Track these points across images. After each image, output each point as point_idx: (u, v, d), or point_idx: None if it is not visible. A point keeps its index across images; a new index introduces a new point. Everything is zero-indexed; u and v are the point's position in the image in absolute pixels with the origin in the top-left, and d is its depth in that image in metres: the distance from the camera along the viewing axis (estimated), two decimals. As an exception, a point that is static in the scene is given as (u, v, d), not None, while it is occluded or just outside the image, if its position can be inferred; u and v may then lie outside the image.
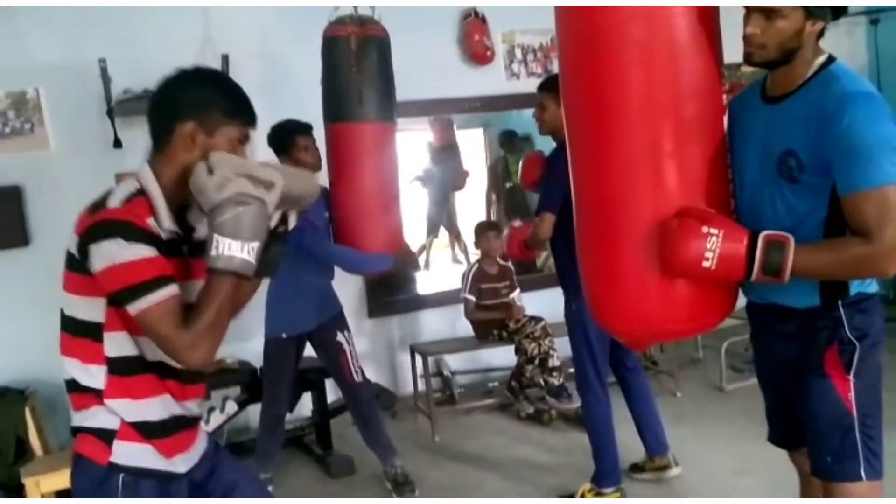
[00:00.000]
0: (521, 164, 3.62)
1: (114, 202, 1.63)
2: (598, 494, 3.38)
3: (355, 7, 3.40)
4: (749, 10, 1.87)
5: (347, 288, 4.72)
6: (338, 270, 3.69)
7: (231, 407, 3.99)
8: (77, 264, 1.64)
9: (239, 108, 1.73)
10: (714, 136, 1.98)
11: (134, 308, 1.55)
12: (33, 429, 3.93)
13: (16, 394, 3.98)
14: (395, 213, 3.56)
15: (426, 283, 5.90)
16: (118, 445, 1.68)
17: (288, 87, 3.90)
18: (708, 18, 1.95)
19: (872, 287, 1.96)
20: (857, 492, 1.93)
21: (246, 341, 3.95)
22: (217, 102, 1.71)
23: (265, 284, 3.30)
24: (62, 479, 3.55)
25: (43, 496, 3.51)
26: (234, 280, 1.58)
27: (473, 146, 6.83)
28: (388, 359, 5.11)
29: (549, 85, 3.17)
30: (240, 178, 1.58)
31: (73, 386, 1.74)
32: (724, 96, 2.03)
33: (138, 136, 4.49)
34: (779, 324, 2.05)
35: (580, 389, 3.51)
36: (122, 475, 1.67)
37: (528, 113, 5.56)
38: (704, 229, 1.80)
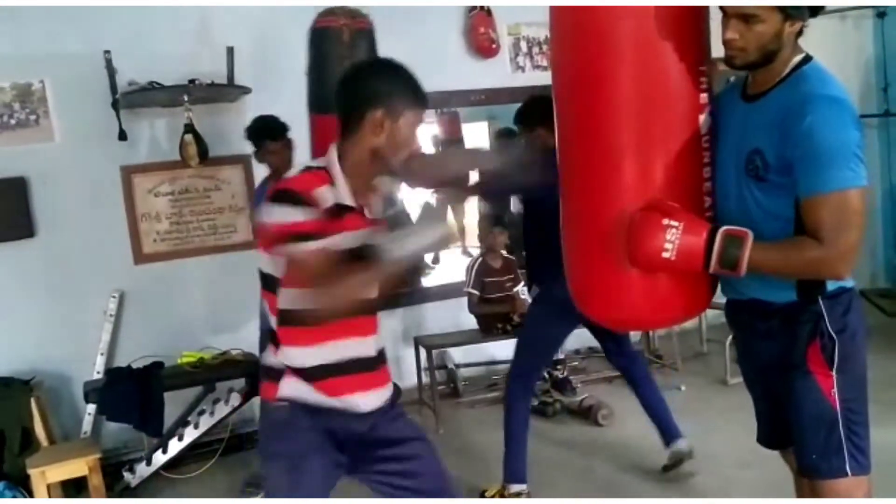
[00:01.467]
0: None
1: (293, 174, 1.92)
2: (504, 494, 3.41)
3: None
4: (727, 15, 1.87)
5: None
6: None
7: (235, 399, 4.00)
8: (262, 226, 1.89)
9: (420, 96, 1.95)
10: (690, 133, 2.00)
11: (292, 249, 1.79)
12: (38, 419, 3.95)
13: (21, 384, 4.00)
14: None
15: (431, 275, 5.89)
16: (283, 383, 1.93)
17: (291, 79, 3.88)
18: (689, 17, 1.97)
19: (850, 281, 1.97)
20: (843, 488, 1.94)
21: (252, 333, 3.95)
22: (402, 92, 1.92)
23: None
24: (67, 469, 3.58)
25: (48, 487, 3.53)
26: (383, 268, 1.82)
27: (478, 139, 6.81)
28: (392, 352, 5.07)
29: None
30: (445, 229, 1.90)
31: (270, 336, 1.98)
32: (708, 94, 2.03)
33: (143, 128, 4.58)
34: (759, 321, 2.05)
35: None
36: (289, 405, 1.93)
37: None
38: (665, 221, 1.86)
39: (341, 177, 1.89)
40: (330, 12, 3.31)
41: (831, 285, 1.93)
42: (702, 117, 2.01)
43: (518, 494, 3.39)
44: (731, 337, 4.67)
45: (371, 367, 2.03)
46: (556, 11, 2.15)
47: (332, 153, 1.93)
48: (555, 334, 3.46)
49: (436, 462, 2.16)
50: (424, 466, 2.11)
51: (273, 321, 1.95)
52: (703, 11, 2.00)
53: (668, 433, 3.56)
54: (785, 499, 2.94)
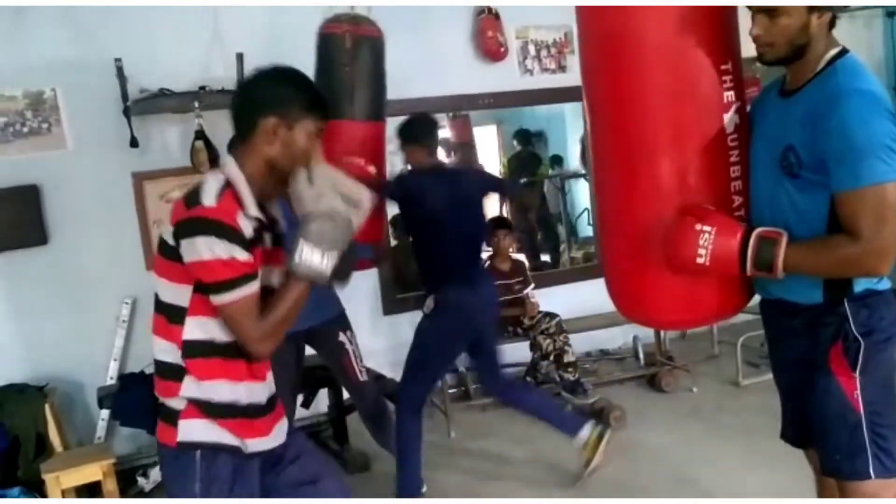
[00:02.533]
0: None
1: (208, 199, 1.72)
2: None
3: (353, 7, 3.39)
4: (753, 12, 1.87)
5: (362, 287, 4.74)
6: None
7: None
8: (169, 251, 1.75)
9: (316, 103, 1.87)
10: (714, 132, 2.00)
11: (219, 300, 1.70)
12: (53, 425, 3.97)
13: (35, 391, 4.03)
14: (379, 209, 3.52)
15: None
16: (184, 424, 1.80)
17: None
18: (712, 16, 1.98)
19: (883, 283, 1.94)
20: (868, 490, 1.92)
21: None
22: (296, 98, 1.84)
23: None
24: (82, 474, 3.60)
25: (63, 492, 3.55)
26: (308, 285, 1.76)
27: (487, 143, 6.83)
28: (402, 356, 5.10)
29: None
30: (334, 195, 1.75)
31: (160, 367, 1.85)
32: (735, 92, 2.02)
33: (154, 135, 4.60)
34: (786, 320, 2.05)
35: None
36: (198, 451, 1.79)
37: (542, 109, 5.58)
38: (698, 227, 1.86)
39: (249, 195, 1.78)
40: (335, 19, 3.33)
41: (858, 287, 1.90)
42: (727, 116, 2.00)
43: None
44: (742, 339, 4.71)
45: (267, 412, 1.94)
46: (581, 13, 2.18)
47: (233, 166, 1.81)
48: (449, 345, 3.55)
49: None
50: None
51: (172, 355, 1.80)
52: (725, 11, 2.00)
53: (571, 427, 3.58)
54: (785, 499, 2.94)
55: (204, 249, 1.67)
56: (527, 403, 3.69)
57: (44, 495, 3.61)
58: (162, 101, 4.26)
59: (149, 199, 4.50)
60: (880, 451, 1.91)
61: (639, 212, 2.05)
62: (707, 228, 1.85)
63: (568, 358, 4.57)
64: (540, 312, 4.63)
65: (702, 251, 1.85)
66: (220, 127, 4.44)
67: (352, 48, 3.27)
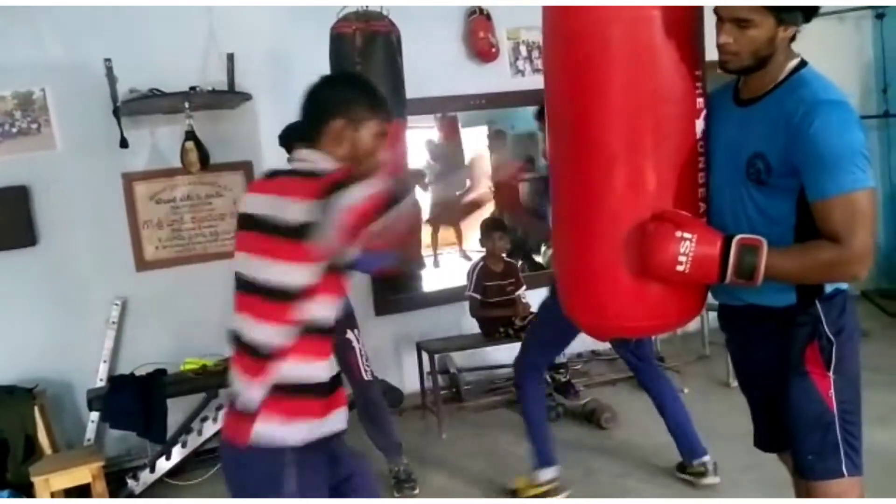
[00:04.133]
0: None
1: (331, 167, 1.85)
2: (534, 485, 3.45)
3: (366, 6, 3.39)
4: (721, 20, 1.88)
5: (353, 287, 4.72)
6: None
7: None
8: (298, 231, 1.72)
9: (380, 105, 1.97)
10: (687, 138, 1.99)
11: (388, 217, 1.73)
12: (42, 427, 3.96)
13: (24, 392, 4.01)
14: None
15: (432, 280, 5.90)
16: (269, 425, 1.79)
17: (293, 86, 3.88)
18: (688, 21, 1.96)
19: (844, 283, 1.99)
20: (839, 489, 1.94)
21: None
22: (360, 100, 1.94)
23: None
24: (71, 477, 3.58)
25: (52, 494, 3.53)
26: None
27: (478, 144, 6.82)
28: (394, 356, 5.12)
29: None
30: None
31: (253, 349, 1.83)
32: (704, 99, 2.02)
33: (144, 136, 4.58)
34: (756, 325, 2.06)
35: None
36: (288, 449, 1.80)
37: (532, 110, 5.58)
38: (678, 233, 1.84)
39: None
40: (345, 18, 3.33)
41: (828, 288, 1.94)
42: (698, 123, 2.00)
43: (551, 481, 3.44)
44: (731, 339, 4.72)
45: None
46: (548, 13, 2.09)
47: (320, 154, 1.91)
48: (565, 327, 3.46)
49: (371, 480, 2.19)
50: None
51: (273, 336, 1.80)
52: (698, 13, 2.00)
53: (687, 452, 3.53)
54: (785, 499, 2.95)
55: (361, 192, 1.70)
56: (660, 397, 3.62)
57: (33, 497, 3.59)
58: (152, 102, 4.24)
59: (139, 200, 4.49)
60: (850, 450, 1.95)
61: (601, 217, 2.01)
62: (688, 235, 1.83)
63: (559, 359, 4.57)
64: (531, 313, 4.63)
65: (682, 258, 1.83)
66: (210, 127, 4.45)
67: (362, 45, 3.27)
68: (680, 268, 1.84)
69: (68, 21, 4.22)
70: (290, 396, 1.80)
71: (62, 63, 4.24)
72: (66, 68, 4.24)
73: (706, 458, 3.48)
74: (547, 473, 3.45)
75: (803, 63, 1.94)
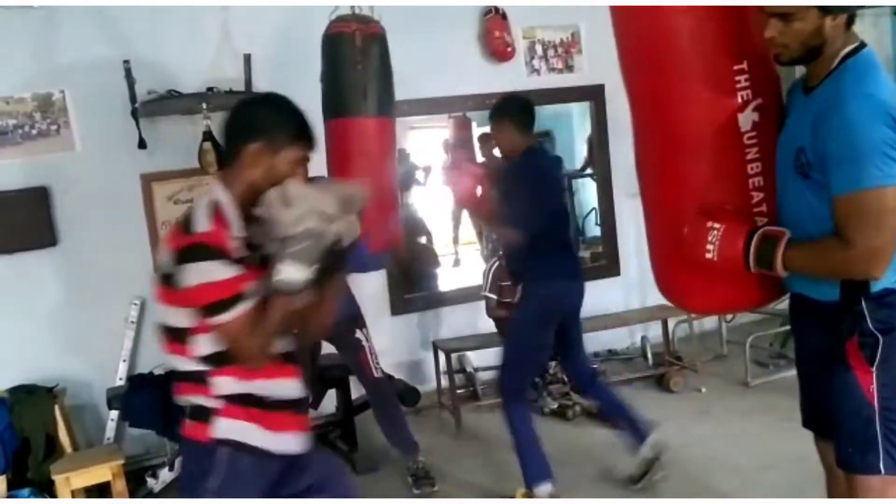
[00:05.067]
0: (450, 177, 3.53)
1: (201, 226, 1.79)
2: (530, 495, 3.40)
3: (353, 7, 3.40)
4: (766, 14, 1.88)
5: (369, 286, 4.74)
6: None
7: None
8: (169, 279, 1.80)
9: (302, 132, 1.91)
10: (726, 132, 2.04)
11: (216, 320, 1.76)
12: (62, 426, 3.99)
13: (45, 392, 4.04)
14: (394, 207, 3.52)
15: (448, 279, 5.91)
16: (219, 421, 1.86)
17: (308, 87, 3.90)
18: (725, 17, 2.00)
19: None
20: (875, 485, 1.93)
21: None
22: (282, 126, 1.88)
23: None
24: (91, 475, 3.61)
25: (73, 493, 3.57)
26: (293, 298, 1.78)
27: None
28: (410, 356, 5.12)
29: (502, 109, 3.41)
30: (312, 215, 1.76)
31: (184, 375, 1.91)
32: (751, 91, 2.03)
33: (163, 137, 4.61)
34: (808, 314, 2.07)
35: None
36: (226, 447, 1.85)
37: (549, 109, 5.58)
38: (709, 224, 1.96)
39: (236, 216, 1.84)
40: (341, 19, 3.34)
41: (876, 286, 1.90)
42: (742, 115, 2.02)
43: (552, 495, 3.39)
44: (750, 338, 4.70)
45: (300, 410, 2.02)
46: (619, 13, 2.24)
47: (219, 189, 1.87)
48: (540, 336, 3.47)
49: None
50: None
51: (194, 366, 1.86)
52: (738, 10, 2.00)
53: (640, 432, 3.53)
54: (792, 499, 2.94)
55: (200, 274, 1.74)
56: (602, 399, 3.68)
57: (53, 496, 3.63)
58: (170, 103, 4.27)
59: (157, 200, 4.51)
60: (891, 447, 1.92)
61: (665, 206, 2.19)
62: (716, 226, 1.94)
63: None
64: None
65: (710, 247, 1.94)
66: (228, 128, 4.47)
67: (362, 46, 3.28)
68: (709, 255, 1.95)
69: (87, 23, 4.25)
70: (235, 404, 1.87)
71: (81, 65, 4.27)
72: (85, 70, 4.27)
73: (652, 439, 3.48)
74: (545, 488, 3.38)
75: (858, 49, 1.90)
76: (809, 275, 1.92)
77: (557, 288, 3.39)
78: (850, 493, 1.99)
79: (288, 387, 1.96)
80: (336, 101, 3.40)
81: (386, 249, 3.45)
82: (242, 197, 1.86)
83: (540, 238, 3.25)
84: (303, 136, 1.91)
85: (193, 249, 1.75)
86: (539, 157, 3.43)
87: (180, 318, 1.82)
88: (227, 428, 1.86)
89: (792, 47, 1.87)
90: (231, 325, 1.75)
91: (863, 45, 1.91)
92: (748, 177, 2.05)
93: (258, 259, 1.89)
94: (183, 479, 2.00)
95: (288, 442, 1.94)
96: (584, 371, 3.75)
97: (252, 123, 1.88)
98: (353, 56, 3.30)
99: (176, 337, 1.86)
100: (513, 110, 3.39)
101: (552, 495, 3.36)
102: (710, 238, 1.94)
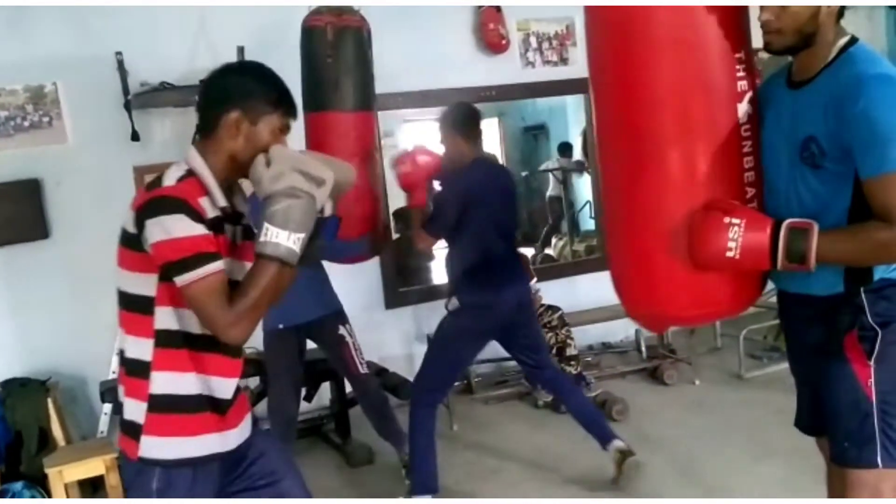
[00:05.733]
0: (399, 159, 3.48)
1: (169, 181, 1.73)
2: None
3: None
4: None
5: (363, 280, 4.74)
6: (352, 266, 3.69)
7: (248, 397, 4.02)
8: (132, 240, 1.72)
9: (281, 99, 1.83)
10: (728, 122, 1.97)
11: (181, 280, 1.64)
12: (55, 419, 3.98)
13: (38, 385, 4.03)
14: (371, 199, 3.49)
15: (442, 273, 5.90)
16: (146, 440, 1.77)
17: (299, 78, 3.90)
18: (728, 5, 1.95)
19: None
20: (871, 479, 1.91)
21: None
22: (261, 93, 1.81)
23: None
24: (85, 468, 3.60)
25: (66, 486, 3.55)
26: (278, 266, 1.68)
27: (489, 136, 6.83)
28: (405, 349, 5.12)
29: (446, 118, 3.42)
30: (294, 173, 1.69)
31: (128, 364, 1.82)
32: (747, 82, 2.01)
33: (156, 129, 4.59)
34: (802, 309, 2.05)
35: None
36: (157, 469, 1.77)
37: (544, 102, 5.57)
38: (727, 220, 1.82)
39: (215, 185, 1.77)
40: (317, 11, 3.32)
41: (877, 276, 1.90)
42: (740, 106, 1.98)
43: None
44: (744, 331, 4.71)
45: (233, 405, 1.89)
46: (591, 9, 2.12)
47: (196, 157, 1.79)
48: (467, 347, 3.48)
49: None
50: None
51: (140, 349, 1.78)
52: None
53: (603, 437, 3.50)
54: (787, 499, 2.94)
55: (164, 229, 1.64)
56: (573, 400, 3.61)
57: (47, 489, 3.62)
58: (163, 95, 4.25)
59: (150, 193, 4.49)
60: (888, 441, 1.91)
61: (650, 206, 2.01)
62: (736, 221, 1.81)
63: (570, 351, 4.57)
64: (542, 306, 4.63)
65: (731, 244, 1.81)
66: (222, 120, 4.45)
67: (333, 39, 3.26)
68: (730, 254, 1.82)
69: (80, 15, 4.23)
70: (162, 412, 1.77)
71: (73, 57, 4.25)
72: (78, 62, 4.25)
73: (618, 443, 3.43)
74: (424, 501, 3.36)
75: (853, 40, 1.89)
76: (840, 263, 1.87)
77: (486, 301, 3.35)
78: (845, 488, 1.98)
79: (228, 386, 1.85)
80: (310, 95, 3.38)
81: (356, 238, 3.42)
82: (222, 168, 1.80)
83: (471, 251, 3.29)
84: (282, 102, 1.83)
85: (156, 203, 1.67)
86: (479, 171, 3.37)
87: (145, 285, 1.74)
88: (157, 446, 1.77)
89: (786, 33, 1.85)
90: (198, 285, 1.63)
91: (855, 37, 1.90)
92: (743, 171, 2.00)
93: (241, 235, 1.86)
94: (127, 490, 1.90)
95: (225, 439, 1.85)
96: (556, 377, 3.71)
97: (229, 91, 1.80)
98: (324, 50, 3.28)
99: (136, 308, 1.76)
100: (458, 119, 3.38)
101: None
102: (731, 235, 1.81)
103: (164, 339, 1.75)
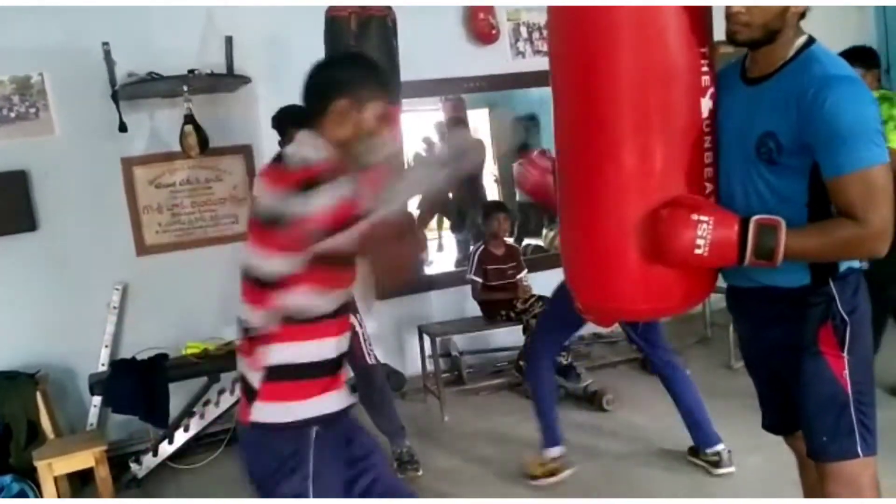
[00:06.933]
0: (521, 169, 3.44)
1: (317, 157, 1.82)
2: (542, 463, 3.50)
3: None
4: None
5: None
6: None
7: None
8: (273, 219, 1.74)
9: (385, 86, 1.96)
10: (692, 117, 1.97)
11: (351, 230, 1.70)
12: (44, 412, 3.96)
13: (26, 378, 4.01)
14: None
15: (434, 263, 5.90)
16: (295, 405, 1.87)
17: (292, 69, 3.86)
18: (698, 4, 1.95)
19: (856, 262, 1.98)
20: (851, 469, 1.93)
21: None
22: (367, 81, 1.91)
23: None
24: (74, 461, 3.59)
25: (56, 479, 3.54)
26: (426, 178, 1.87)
27: (479, 126, 6.80)
28: (396, 340, 5.12)
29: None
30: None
31: (252, 334, 1.90)
32: (710, 77, 2.00)
33: (143, 120, 4.56)
34: (766, 306, 2.04)
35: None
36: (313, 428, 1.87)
37: (534, 92, 5.56)
38: (694, 217, 1.83)
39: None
40: None
41: (842, 266, 1.93)
42: (703, 100, 1.98)
43: (557, 458, 3.49)
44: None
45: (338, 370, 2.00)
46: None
47: (308, 140, 1.88)
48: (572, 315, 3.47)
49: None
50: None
51: (267, 320, 1.85)
52: None
53: (700, 440, 3.51)
54: (787, 499, 2.96)
55: (333, 194, 1.69)
56: (671, 384, 3.57)
57: (36, 482, 3.60)
58: (150, 86, 4.22)
59: (138, 184, 4.47)
60: (865, 430, 1.93)
61: (607, 200, 2.00)
62: (704, 218, 1.82)
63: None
64: (532, 296, 4.63)
65: (700, 241, 1.82)
66: (210, 111, 4.42)
67: (357, 29, 3.23)
68: (698, 251, 1.83)
69: (66, 5, 4.18)
70: (287, 378, 1.86)
71: (60, 47, 4.21)
72: (65, 52, 4.21)
73: (720, 447, 3.45)
74: (553, 452, 3.49)
75: (812, 40, 1.92)
76: (806, 259, 1.89)
77: None
78: (824, 482, 1.99)
79: (330, 347, 1.94)
80: None
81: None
82: (329, 153, 1.86)
83: None
84: (386, 89, 1.95)
85: (319, 176, 1.72)
86: None
87: (277, 265, 1.78)
88: (312, 404, 1.87)
89: (753, 27, 1.86)
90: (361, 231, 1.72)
91: (812, 37, 1.92)
92: (704, 166, 2.00)
93: None
94: (260, 472, 1.93)
95: (343, 397, 1.96)
96: (665, 361, 3.65)
97: (336, 81, 1.90)
98: (348, 39, 3.24)
99: (270, 285, 1.82)
100: None
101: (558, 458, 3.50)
102: (699, 232, 1.81)
103: (304, 313, 1.83)
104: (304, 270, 1.77)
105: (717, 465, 3.45)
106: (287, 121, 3.71)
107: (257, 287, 1.85)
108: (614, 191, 1.99)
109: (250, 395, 1.89)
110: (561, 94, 2.16)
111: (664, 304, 2.10)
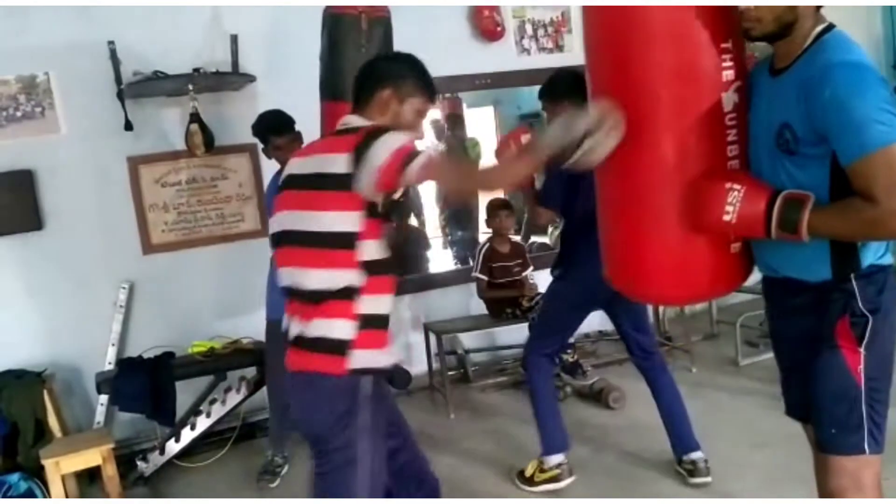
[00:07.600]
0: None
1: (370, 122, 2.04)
2: (543, 469, 3.44)
3: None
4: None
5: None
6: None
7: (246, 387, 4.03)
8: (336, 181, 1.92)
9: (428, 86, 2.14)
10: (711, 112, 2.01)
11: (417, 162, 1.87)
12: (51, 411, 3.98)
13: (34, 376, 4.02)
14: None
15: (440, 261, 5.89)
16: (357, 353, 1.98)
17: (296, 68, 3.88)
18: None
19: (886, 259, 1.96)
20: (855, 466, 1.93)
21: (261, 321, 3.95)
22: (411, 77, 2.11)
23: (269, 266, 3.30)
24: (81, 459, 3.60)
25: (63, 477, 3.55)
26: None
27: (484, 124, 6.79)
28: (402, 338, 5.12)
29: (556, 88, 3.33)
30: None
31: (319, 296, 1.99)
32: (734, 72, 2.01)
33: (149, 118, 4.57)
34: (791, 298, 2.06)
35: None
36: (369, 377, 2.00)
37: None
38: (728, 185, 1.91)
39: None
40: None
41: (865, 263, 1.92)
42: (725, 95, 2.00)
43: (558, 465, 3.41)
44: (741, 318, 4.71)
45: None
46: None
47: (362, 120, 2.05)
48: (573, 313, 3.45)
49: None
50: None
51: (337, 280, 1.96)
52: None
53: (677, 447, 3.43)
54: (788, 499, 2.95)
55: (393, 141, 1.90)
56: (658, 387, 3.51)
57: (43, 481, 3.61)
58: (156, 84, 4.22)
59: (144, 183, 4.48)
60: (874, 427, 1.93)
61: (637, 189, 2.09)
62: (737, 187, 1.89)
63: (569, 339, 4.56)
64: (538, 294, 4.62)
65: (729, 208, 1.89)
66: (215, 109, 4.43)
67: (368, 29, 3.23)
68: (727, 217, 1.90)
69: (72, 4, 4.19)
70: (377, 326, 2.02)
71: (66, 46, 4.22)
72: (70, 51, 4.22)
73: (696, 455, 3.36)
74: (554, 459, 3.42)
75: (830, 27, 1.91)
76: (831, 237, 1.89)
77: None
78: (828, 475, 1.99)
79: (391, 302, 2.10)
80: (335, 84, 3.33)
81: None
82: None
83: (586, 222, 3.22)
84: (428, 89, 2.13)
85: (378, 129, 1.95)
86: None
87: (347, 222, 1.92)
88: (367, 357, 1.98)
89: (765, 21, 1.87)
90: (433, 160, 1.90)
91: (832, 25, 1.92)
92: (727, 159, 2.03)
93: None
94: (321, 422, 2.02)
95: (392, 354, 2.11)
96: (652, 363, 3.59)
97: (384, 72, 2.10)
98: (358, 39, 3.23)
99: (335, 245, 1.95)
100: (571, 87, 3.13)
101: (560, 465, 3.43)
102: (729, 199, 1.89)
103: (370, 267, 1.97)
104: (364, 226, 1.93)
105: (692, 473, 3.35)
106: (265, 128, 3.74)
107: (324, 248, 1.96)
108: (640, 180, 2.09)
109: (337, 347, 1.97)
110: (594, 88, 2.21)
111: (693, 290, 2.20)
